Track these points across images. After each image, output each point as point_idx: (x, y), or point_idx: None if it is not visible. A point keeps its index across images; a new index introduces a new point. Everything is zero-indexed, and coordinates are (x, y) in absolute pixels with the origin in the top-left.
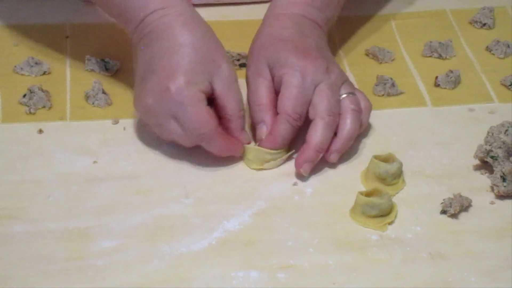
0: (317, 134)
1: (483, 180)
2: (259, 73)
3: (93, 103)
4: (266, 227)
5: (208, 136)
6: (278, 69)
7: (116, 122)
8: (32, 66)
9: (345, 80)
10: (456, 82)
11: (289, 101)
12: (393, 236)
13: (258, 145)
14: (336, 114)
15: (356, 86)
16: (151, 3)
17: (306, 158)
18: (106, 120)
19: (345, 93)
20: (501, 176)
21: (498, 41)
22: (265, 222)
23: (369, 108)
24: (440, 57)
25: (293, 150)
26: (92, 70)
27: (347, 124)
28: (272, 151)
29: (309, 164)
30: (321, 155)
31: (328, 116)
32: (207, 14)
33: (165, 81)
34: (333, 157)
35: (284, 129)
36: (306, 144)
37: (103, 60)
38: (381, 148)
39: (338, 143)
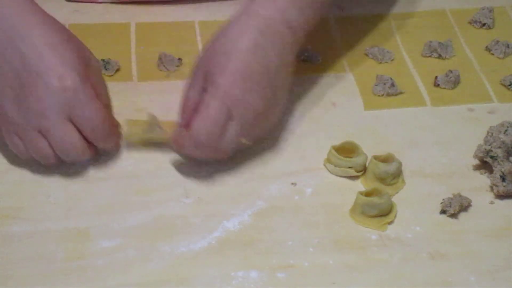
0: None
1: (483, 180)
2: (190, 80)
3: None
4: (266, 227)
5: (109, 132)
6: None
7: None
8: None
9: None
10: (455, 82)
11: (198, 118)
12: (393, 236)
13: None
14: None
15: (355, 86)
16: None
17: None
18: None
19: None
20: (500, 176)
21: (498, 41)
22: (265, 222)
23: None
24: (439, 57)
25: None
26: None
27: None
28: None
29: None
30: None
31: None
32: (207, 14)
33: (56, 81)
34: None
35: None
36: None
37: (103, 60)
38: (381, 148)
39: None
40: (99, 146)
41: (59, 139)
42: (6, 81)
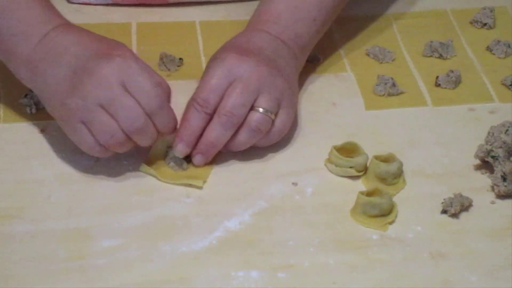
0: (208, 129)
1: (484, 179)
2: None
3: None
4: (267, 227)
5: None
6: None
7: None
8: None
9: (271, 94)
10: (456, 82)
11: (199, 88)
12: (394, 236)
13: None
14: (235, 116)
15: (356, 85)
16: (56, 19)
17: (197, 150)
18: None
19: (261, 108)
20: (501, 176)
21: (499, 41)
22: (265, 221)
23: (281, 131)
24: (440, 57)
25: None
26: None
27: (238, 137)
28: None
29: (201, 156)
30: (214, 150)
31: (223, 115)
32: (208, 14)
33: (108, 54)
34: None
35: (189, 114)
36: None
37: None
38: (382, 148)
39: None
40: (155, 115)
41: (121, 106)
42: (60, 81)
